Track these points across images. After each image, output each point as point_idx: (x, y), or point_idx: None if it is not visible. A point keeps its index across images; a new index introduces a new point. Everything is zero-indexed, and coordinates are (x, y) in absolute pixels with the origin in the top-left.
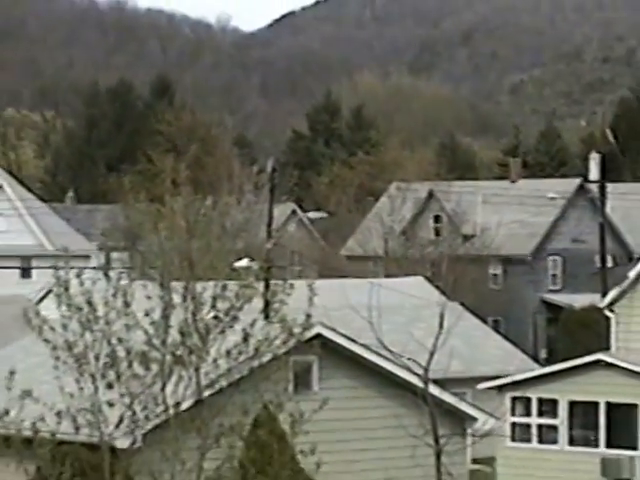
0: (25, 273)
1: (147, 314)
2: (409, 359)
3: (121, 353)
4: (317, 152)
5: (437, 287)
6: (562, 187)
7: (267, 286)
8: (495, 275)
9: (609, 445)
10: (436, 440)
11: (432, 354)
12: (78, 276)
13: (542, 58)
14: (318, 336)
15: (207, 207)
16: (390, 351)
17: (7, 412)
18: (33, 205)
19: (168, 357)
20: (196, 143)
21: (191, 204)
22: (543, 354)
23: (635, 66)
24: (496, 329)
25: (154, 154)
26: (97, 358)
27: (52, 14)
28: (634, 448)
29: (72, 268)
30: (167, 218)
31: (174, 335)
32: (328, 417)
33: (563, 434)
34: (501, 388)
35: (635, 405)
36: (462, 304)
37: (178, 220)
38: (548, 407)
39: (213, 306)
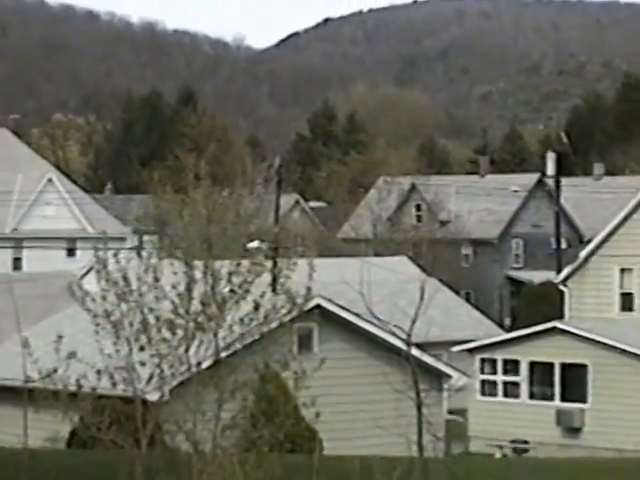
0: (70, 253)
1: (173, 287)
2: (394, 326)
3: (151, 320)
4: (316, 151)
5: (418, 265)
6: (523, 181)
7: (274, 264)
8: (467, 255)
9: (563, 399)
10: (417, 394)
11: (414, 321)
12: (115, 255)
13: (506, 72)
14: (318, 306)
15: (224, 197)
16: (378, 319)
17: (55, 370)
18: (77, 195)
19: (191, 324)
20: (215, 143)
21: (210, 195)
22: (507, 322)
23: (585, 78)
24: (468, 300)
25: (179, 152)
26: (131, 325)
27: (93, 33)
28: (584, 402)
29: (110, 249)
30: (190, 206)
31: (196, 305)
32: (326, 375)
33: (524, 390)
34: (472, 350)
35: (585, 365)
36: (439, 279)
37: (199, 208)
38: (511, 367)
39: (229, 281)
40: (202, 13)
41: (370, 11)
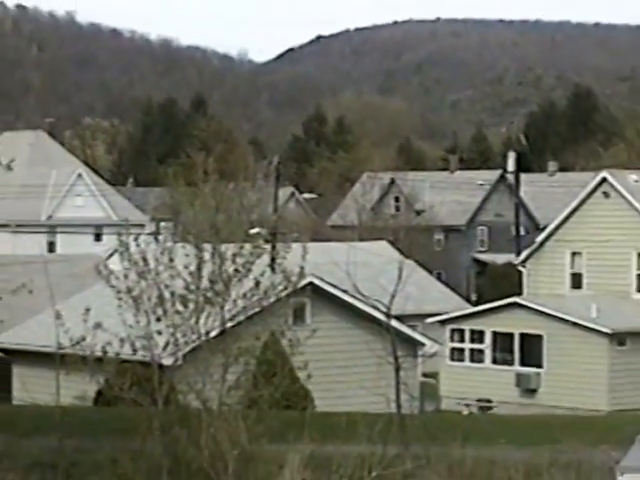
0: (97, 237)
1: (186, 267)
2: (376, 300)
3: (166, 295)
4: (310, 150)
5: (396, 249)
6: (487, 176)
7: (273, 247)
8: (438, 240)
9: (522, 364)
10: (395, 359)
11: (393, 297)
12: (135, 240)
13: (473, 82)
14: (310, 284)
15: (229, 190)
16: (362, 295)
17: (84, 339)
18: (103, 188)
19: (201, 298)
20: (221, 143)
21: (217, 188)
22: (473, 297)
23: (541, 88)
24: (439, 279)
25: (191, 151)
26: (149, 299)
27: (117, 48)
28: (540, 366)
29: (131, 234)
30: (200, 198)
31: (205, 282)
32: (317, 342)
33: (488, 356)
34: (443, 322)
35: (540, 335)
36: (415, 261)
37: (208, 199)
38: (477, 336)
39: (233, 261)
40: (211, 31)
41: (356, 30)
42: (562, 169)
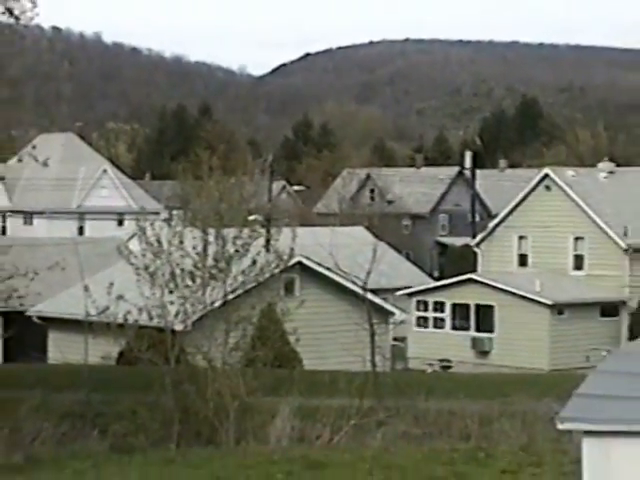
0: (119, 223)
1: (194, 248)
2: (354, 276)
3: (177, 272)
4: (298, 150)
5: (371, 233)
6: (448, 172)
7: (267, 231)
8: (407, 225)
9: (477, 330)
10: (371, 326)
11: (368, 273)
12: (151, 225)
13: (437, 93)
14: (299, 262)
15: (230, 183)
16: (343, 272)
17: (108, 308)
18: (125, 181)
19: (206, 274)
20: (224, 144)
21: (220, 181)
22: (436, 274)
23: (493, 98)
24: (407, 258)
25: (198, 150)
26: (163, 275)
27: (137, 63)
28: (491, 332)
29: (148, 220)
30: (205, 190)
31: (210, 261)
32: (304, 312)
33: (448, 323)
34: (410, 295)
35: (492, 306)
36: (387, 243)
37: (212, 191)
38: (439, 307)
39: (234, 243)
40: (216, 49)
41: (338, 48)
42: (511, 166)
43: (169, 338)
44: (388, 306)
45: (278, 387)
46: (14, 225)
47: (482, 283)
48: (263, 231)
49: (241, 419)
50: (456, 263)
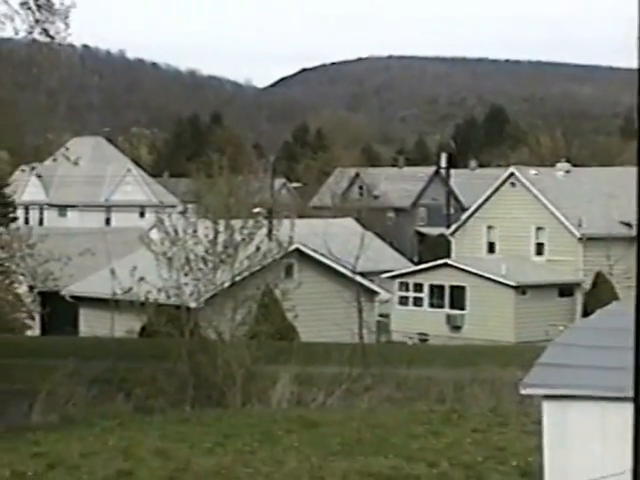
0: (141, 215)
1: (206, 236)
2: (345, 261)
3: (192, 257)
4: (297, 152)
5: (360, 224)
6: (426, 171)
7: (270, 222)
8: (390, 217)
9: (451, 307)
10: (359, 303)
11: (357, 258)
12: (169, 216)
13: (417, 102)
14: (297, 249)
15: (237, 181)
16: (335, 257)
17: (131, 288)
18: (146, 179)
19: (217, 259)
20: (232, 147)
21: (229, 179)
22: (415, 259)
23: (466, 107)
24: (391, 246)
25: (210, 152)
26: (179, 260)
27: (156, 76)
28: (463, 309)
29: (165, 212)
30: (216, 186)
31: (220, 248)
32: (301, 292)
33: (426, 302)
34: (393, 277)
35: (464, 287)
36: (374, 233)
37: (222, 187)
38: (418, 287)
39: (240, 232)
40: (225, 64)
41: (331, 64)
42: (481, 166)
43: (184, 314)
44: (374, 287)
45: (278, 357)
46: (50, 217)
47: (455, 267)
48: (266, 222)
49: (246, 384)
50: (433, 250)
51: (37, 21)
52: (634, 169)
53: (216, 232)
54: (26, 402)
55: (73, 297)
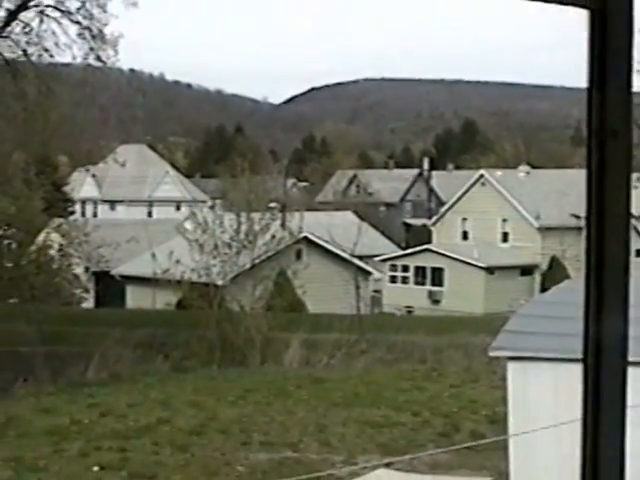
0: (177, 208)
1: (230, 226)
2: (345, 247)
3: (219, 243)
4: (306, 157)
5: (357, 216)
6: (411, 173)
7: (283, 215)
8: (382, 210)
9: (432, 285)
10: (356, 281)
11: (355, 244)
12: (200, 210)
13: (404, 117)
14: (305, 237)
15: (256, 180)
16: (337, 243)
17: (169, 269)
18: (181, 179)
19: (239, 245)
20: (252, 152)
21: (249, 179)
22: (403, 245)
23: (444, 120)
24: (383, 234)
25: (233, 157)
26: (208, 245)
27: (189, 95)
28: (442, 286)
29: (198, 206)
30: (239, 185)
31: (242, 235)
32: (309, 272)
33: (411, 280)
34: (384, 260)
35: (443, 268)
36: (369, 224)
37: (243, 185)
38: (405, 268)
39: (259, 223)
40: (246, 84)
41: (334, 84)
42: (456, 168)
43: (212, 290)
44: (368, 268)
45: (290, 326)
46: (102, 210)
47: (436, 252)
48: (279, 215)
49: (264, 348)
50: (417, 237)
51: (91, 49)
52: (583, 171)
53: (239, 223)
54: (83, 362)
55: (121, 276)
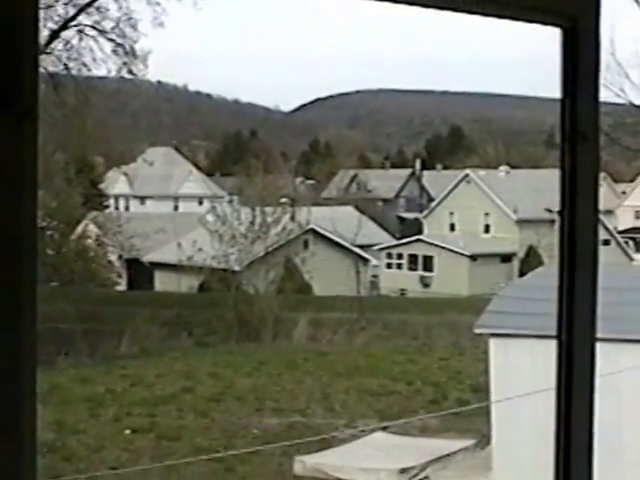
0: (200, 203)
1: (246, 218)
2: (347, 237)
3: (236, 233)
4: (312, 158)
5: (358, 210)
6: (405, 172)
7: (292, 209)
8: (379, 205)
9: (423, 270)
10: (357, 267)
11: (356, 234)
12: (220, 204)
13: (397, 122)
14: (312, 229)
15: (269, 178)
16: (340, 234)
17: (192, 256)
18: (203, 177)
19: (254, 236)
20: (265, 154)
21: (263, 177)
22: (398, 236)
23: (433, 127)
24: (380, 226)
25: (249, 158)
26: (227, 236)
27: (209, 104)
28: (431, 271)
29: (217, 201)
30: (254, 183)
31: (256, 227)
32: (314, 260)
33: (405, 266)
34: (381, 249)
35: (432, 256)
36: (368, 217)
37: (258, 183)
38: (399, 256)
39: (271, 216)
40: (259, 93)
41: (337, 95)
42: (444, 168)
43: (230, 276)
44: (367, 256)
45: (298, 306)
46: (134, 205)
47: (426, 242)
48: (289, 209)
49: (275, 326)
50: (410, 229)
51: (124, 63)
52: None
53: (254, 216)
54: (116, 338)
55: (150, 262)
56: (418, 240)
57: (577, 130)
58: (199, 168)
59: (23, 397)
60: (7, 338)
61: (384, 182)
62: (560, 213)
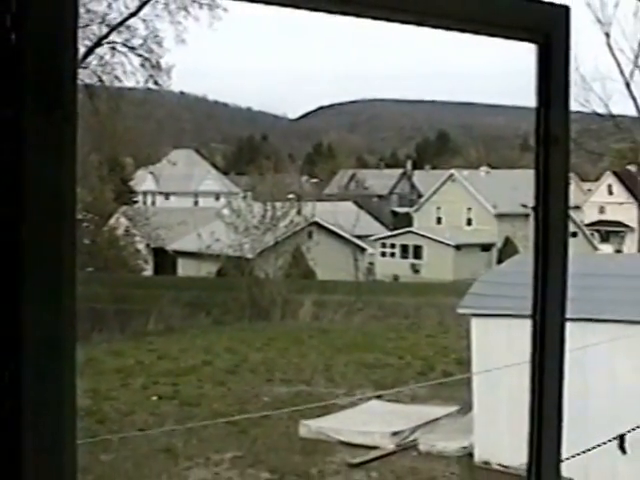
0: (217, 199)
1: (258, 212)
2: (346, 229)
3: (249, 225)
4: (316, 159)
5: (357, 206)
6: (398, 172)
7: (299, 204)
8: (375, 201)
9: (413, 258)
10: (355, 255)
11: (354, 227)
12: (235, 200)
13: (391, 128)
14: (315, 222)
15: (277, 177)
16: (341, 226)
17: (210, 245)
18: (220, 175)
19: (265, 227)
20: (274, 156)
21: (272, 176)
22: (391, 227)
23: (423, 132)
24: (376, 220)
25: (260, 159)
26: (241, 227)
27: (226, 112)
28: (421, 259)
29: (232, 197)
30: (264, 181)
31: (267, 219)
32: (318, 249)
33: (398, 254)
34: (377, 239)
35: (422, 246)
36: (366, 211)
37: (268, 181)
38: (392, 246)
39: (280, 210)
40: (269, 103)
41: (338, 104)
42: (433, 168)
43: (244, 263)
44: (365, 245)
45: (303, 289)
46: (159, 200)
47: (416, 233)
48: (296, 204)
49: (283, 306)
50: (402, 222)
51: (150, 76)
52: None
53: (265, 210)
54: (144, 317)
55: (174, 251)
56: (409, 232)
57: (550, 134)
58: (216, 168)
59: (65, 368)
60: (52, 316)
61: (379, 180)
62: (534, 208)
